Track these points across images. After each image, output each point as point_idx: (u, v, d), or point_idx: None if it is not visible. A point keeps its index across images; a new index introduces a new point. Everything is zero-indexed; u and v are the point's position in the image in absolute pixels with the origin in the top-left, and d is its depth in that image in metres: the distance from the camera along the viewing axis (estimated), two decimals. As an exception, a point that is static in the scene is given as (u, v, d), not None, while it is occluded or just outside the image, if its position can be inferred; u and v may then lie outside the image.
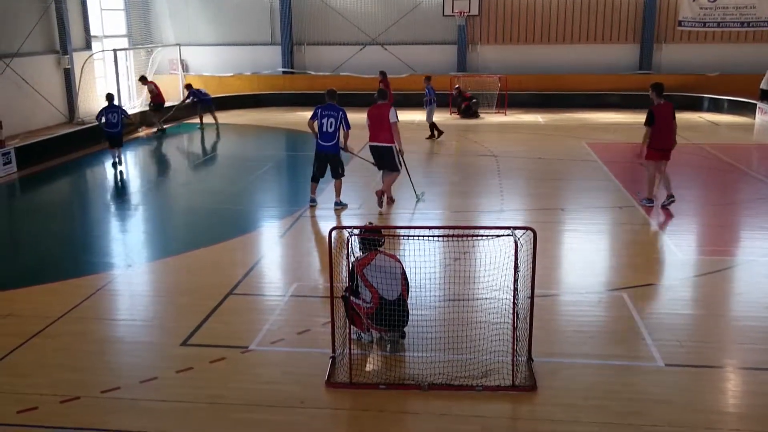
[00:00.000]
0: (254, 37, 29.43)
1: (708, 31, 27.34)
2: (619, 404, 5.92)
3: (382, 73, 19.93)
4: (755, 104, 23.88)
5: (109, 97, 16.75)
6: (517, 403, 5.99)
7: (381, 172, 12.57)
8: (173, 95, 28.43)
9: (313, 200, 12.50)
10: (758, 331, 7.36)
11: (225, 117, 25.54)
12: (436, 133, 19.87)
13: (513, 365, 6.21)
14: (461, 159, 17.36)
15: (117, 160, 16.40)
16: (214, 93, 28.49)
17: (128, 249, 10.79)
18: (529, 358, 6.46)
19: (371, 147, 12.44)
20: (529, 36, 28.42)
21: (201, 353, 6.88)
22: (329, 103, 12.03)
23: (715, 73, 27.15)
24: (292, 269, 9.68)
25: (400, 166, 12.39)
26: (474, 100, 24.78)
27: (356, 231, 6.61)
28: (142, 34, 28.69)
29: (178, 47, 28.61)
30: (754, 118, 23.50)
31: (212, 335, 7.34)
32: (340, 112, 11.93)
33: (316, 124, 12.04)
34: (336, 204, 12.41)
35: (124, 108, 17.80)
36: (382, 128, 12.04)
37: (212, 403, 6.00)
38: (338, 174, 12.25)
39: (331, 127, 11.88)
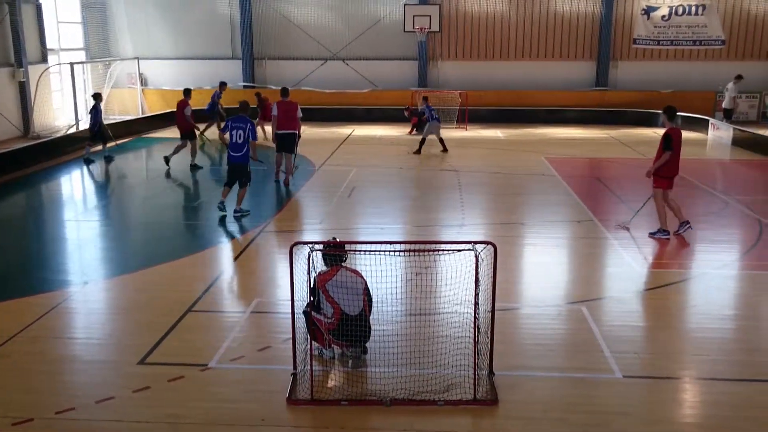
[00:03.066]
0: (214, 51, 29.27)
1: (662, 48, 28.05)
2: (579, 417, 5.98)
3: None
4: (708, 120, 24.52)
5: (94, 96, 19.06)
6: (478, 417, 6.01)
7: (277, 155, 15.50)
8: (132, 109, 28.16)
9: (221, 203, 12.77)
10: (712, 342, 7.52)
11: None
12: (423, 149, 19.84)
13: (474, 379, 6.24)
14: (422, 174, 17.45)
15: (86, 155, 18.64)
16: (173, 107, 28.24)
17: (85, 265, 10.57)
18: (491, 372, 6.50)
19: (281, 134, 15.14)
20: (489, 52, 28.79)
21: (159, 372, 6.76)
22: (239, 115, 12.64)
23: (668, 90, 27.81)
24: (252, 285, 9.59)
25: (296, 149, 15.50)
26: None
27: (318, 246, 6.60)
28: (99, 47, 28.36)
29: (136, 61, 28.32)
30: (707, 134, 24.11)
31: (171, 353, 7.22)
32: (248, 124, 12.50)
33: (227, 136, 12.59)
34: (235, 211, 12.70)
35: (99, 108, 18.91)
36: (290, 119, 15.00)
37: (171, 422, 5.89)
38: (243, 183, 12.73)
39: (239, 138, 12.43)
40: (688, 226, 11.52)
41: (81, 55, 27.51)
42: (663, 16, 27.67)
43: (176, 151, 18.05)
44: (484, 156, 19.99)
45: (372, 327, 6.91)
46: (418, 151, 19.77)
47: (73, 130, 22.61)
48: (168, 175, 17.22)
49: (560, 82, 28.44)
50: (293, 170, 15.67)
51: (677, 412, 6.21)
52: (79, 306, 8.71)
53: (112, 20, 28.91)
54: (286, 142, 15.24)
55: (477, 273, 6.08)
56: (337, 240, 6.98)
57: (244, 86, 29.05)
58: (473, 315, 6.25)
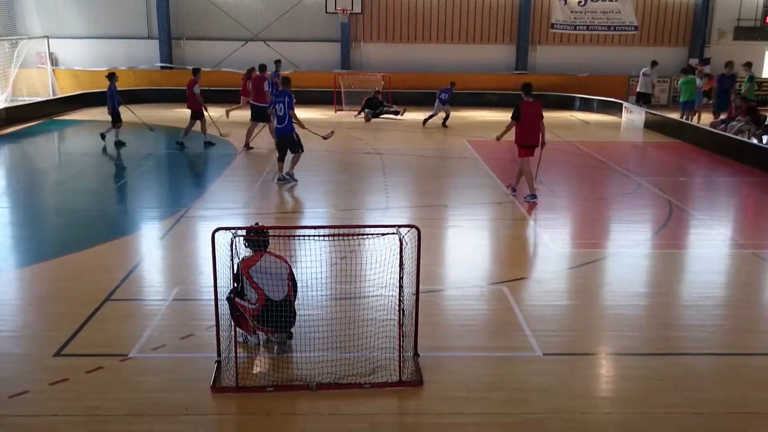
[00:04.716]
0: (129, 30, 28.32)
1: (578, 33, 28.81)
2: (501, 394, 6.13)
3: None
4: (622, 104, 25.39)
5: (109, 76, 18.04)
6: (404, 399, 6.09)
7: (255, 122, 17.83)
8: (42, 91, 26.97)
9: (279, 178, 13.90)
10: (626, 318, 7.83)
11: (98, 114, 24.43)
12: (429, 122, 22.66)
13: (400, 361, 6.30)
14: (346, 157, 17.41)
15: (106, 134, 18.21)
16: (87, 88, 27.29)
17: (-6, 255, 10.09)
18: (415, 354, 6.57)
19: (253, 105, 17.94)
20: (411, 35, 28.91)
21: (76, 363, 6.54)
22: (282, 89, 13.83)
23: (585, 74, 28.61)
24: (173, 272, 9.37)
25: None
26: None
27: (241, 232, 6.50)
28: (5, 25, 26.96)
29: (46, 40, 27.08)
30: (621, 117, 24.97)
31: (88, 344, 6.99)
32: (286, 97, 13.52)
33: (274, 110, 13.80)
34: (281, 177, 13.82)
35: (113, 89, 17.99)
36: (260, 92, 17.69)
37: (90, 415, 5.72)
38: (294, 150, 13.89)
39: (281, 111, 13.51)
40: (534, 198, 12.62)
41: (-15, 33, 26.14)
42: (579, 2, 28.41)
43: (187, 131, 18.02)
44: (407, 139, 20.11)
45: (297, 312, 6.88)
46: (425, 123, 22.62)
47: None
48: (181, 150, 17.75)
49: (481, 65, 28.87)
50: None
51: (594, 387, 6.45)
52: (-11, 297, 8.31)
53: (19, -4, 27.54)
54: (258, 113, 17.45)
55: (401, 256, 6.12)
56: (261, 225, 6.90)
57: (162, 67, 28.25)
58: (398, 298, 6.30)
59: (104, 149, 17.78)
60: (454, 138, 20.05)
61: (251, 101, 18.10)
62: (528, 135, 12.51)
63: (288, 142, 13.81)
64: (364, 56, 28.96)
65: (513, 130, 12.74)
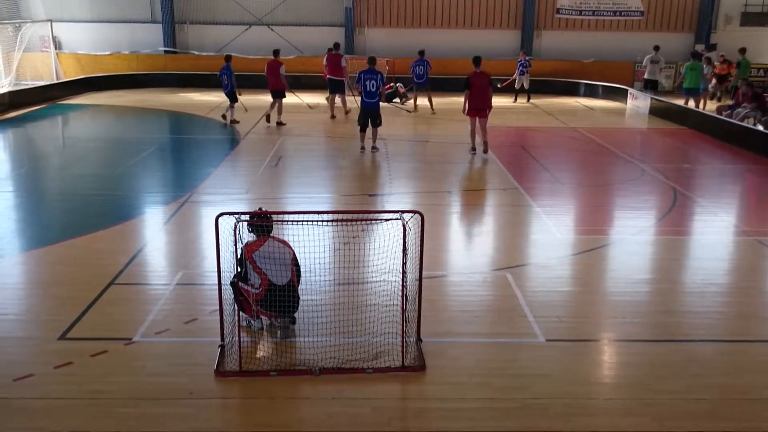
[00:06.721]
0: (132, 14, 28.21)
1: (584, 19, 28.63)
2: (503, 380, 6.15)
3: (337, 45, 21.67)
4: (627, 90, 25.26)
5: (226, 58, 19.06)
6: (406, 384, 6.11)
7: (333, 94, 20.24)
8: (45, 75, 26.92)
9: (362, 148, 15.46)
10: (629, 305, 7.83)
11: (102, 98, 24.40)
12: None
13: (402, 346, 6.32)
14: (350, 143, 17.36)
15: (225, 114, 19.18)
16: (90, 72, 27.23)
17: (-2, 239, 10.11)
18: (418, 339, 6.59)
19: (329, 79, 20.16)
20: (416, 19, 28.75)
21: (81, 347, 6.57)
22: (370, 68, 15.21)
23: (590, 59, 28.45)
24: (177, 257, 9.39)
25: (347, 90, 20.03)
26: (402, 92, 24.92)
27: (245, 217, 6.50)
28: (8, 8, 26.86)
29: (49, 23, 27.00)
30: (626, 104, 24.85)
31: (93, 328, 7.02)
32: (379, 75, 15.09)
33: (359, 86, 15.21)
34: (373, 148, 15.46)
35: (228, 70, 18.71)
36: (337, 68, 19.89)
37: (94, 398, 5.76)
38: (376, 124, 15.36)
39: (372, 87, 14.93)
40: (474, 152, 15.10)
41: (-12, 17, 26.04)
42: (585, -13, 28.23)
43: (279, 112, 18.94)
44: (411, 124, 20.04)
45: (300, 297, 6.89)
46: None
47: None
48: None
49: (486, 50, 28.56)
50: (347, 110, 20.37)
51: (596, 373, 6.46)
52: (-7, 281, 8.34)
53: (22, -21, 27.41)
54: (335, 86, 20.06)
55: (404, 242, 6.12)
56: (264, 210, 6.89)
57: (165, 51, 28.17)
58: (401, 283, 6.30)
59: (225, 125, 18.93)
60: (457, 124, 19.97)
61: (329, 76, 20.01)
62: (475, 100, 14.75)
63: (375, 115, 15.25)
64: (368, 41, 28.82)
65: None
